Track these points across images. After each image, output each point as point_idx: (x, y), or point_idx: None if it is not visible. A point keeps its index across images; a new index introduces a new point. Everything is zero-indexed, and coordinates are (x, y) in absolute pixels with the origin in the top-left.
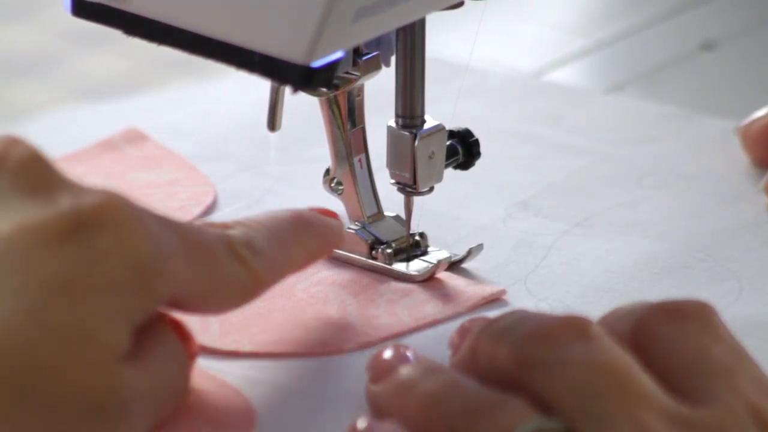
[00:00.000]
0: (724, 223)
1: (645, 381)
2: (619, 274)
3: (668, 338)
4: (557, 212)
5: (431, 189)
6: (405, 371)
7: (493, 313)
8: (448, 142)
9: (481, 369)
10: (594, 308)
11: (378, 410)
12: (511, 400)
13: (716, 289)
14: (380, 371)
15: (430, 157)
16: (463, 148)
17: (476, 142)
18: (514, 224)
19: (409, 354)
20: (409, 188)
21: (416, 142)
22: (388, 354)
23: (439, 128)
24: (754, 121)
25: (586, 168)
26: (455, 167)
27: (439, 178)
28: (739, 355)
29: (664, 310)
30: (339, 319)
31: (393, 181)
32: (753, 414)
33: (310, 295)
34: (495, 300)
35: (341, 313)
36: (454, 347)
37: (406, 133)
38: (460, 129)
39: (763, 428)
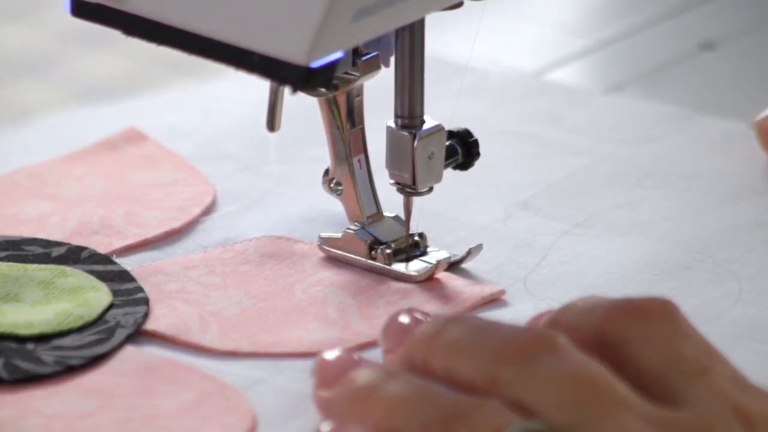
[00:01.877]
0: (724, 223)
1: (621, 387)
2: (618, 275)
3: (636, 341)
4: (557, 212)
5: (431, 189)
6: (362, 375)
7: (492, 313)
8: (447, 143)
9: (436, 379)
10: None
11: (332, 417)
12: (488, 402)
13: (716, 290)
14: (329, 376)
15: (429, 158)
16: (463, 149)
17: (475, 143)
18: (514, 224)
19: (356, 357)
20: (409, 188)
21: (415, 143)
22: (334, 356)
23: (438, 128)
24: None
25: (586, 168)
26: (455, 167)
27: (439, 179)
28: (709, 351)
29: (626, 310)
30: (338, 320)
31: (392, 181)
32: (734, 410)
33: (309, 295)
34: (494, 300)
35: (340, 314)
36: (386, 348)
37: (406, 133)
38: (459, 129)
39: (746, 423)
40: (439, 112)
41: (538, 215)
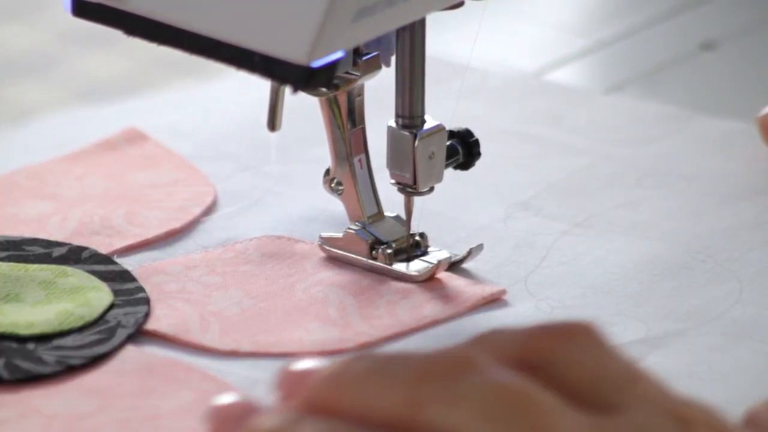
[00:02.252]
0: (724, 223)
1: (550, 398)
2: (619, 275)
3: (562, 360)
4: (557, 212)
5: (431, 189)
6: (268, 421)
7: (493, 313)
8: (448, 142)
9: (347, 419)
10: (594, 309)
11: None
12: None
13: (717, 290)
14: (226, 425)
15: (430, 157)
16: (463, 148)
17: (476, 142)
18: (514, 224)
19: (252, 404)
20: (410, 188)
21: (416, 143)
22: (231, 401)
23: (439, 128)
24: None
25: (586, 168)
26: (455, 167)
27: (439, 179)
28: (635, 367)
29: (548, 333)
30: (339, 320)
31: (393, 181)
32: (670, 413)
33: (309, 295)
34: (495, 300)
35: (341, 314)
36: (283, 395)
37: (407, 133)
38: (460, 129)
39: (684, 425)
40: (440, 112)
41: (539, 215)
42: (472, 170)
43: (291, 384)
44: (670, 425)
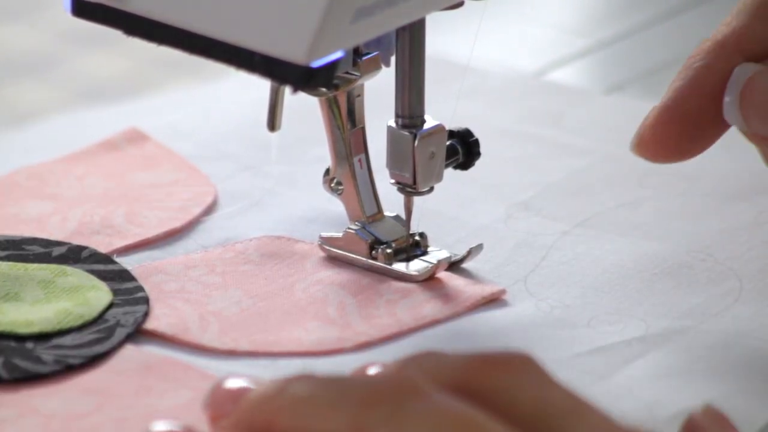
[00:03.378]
0: (724, 223)
1: (496, 425)
2: (619, 274)
3: (503, 390)
4: (557, 212)
5: (431, 189)
6: None
7: (492, 313)
8: (448, 142)
9: None
10: (594, 308)
11: None
12: None
13: (717, 289)
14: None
15: (430, 157)
16: (463, 148)
17: (476, 142)
18: (515, 224)
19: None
20: (409, 188)
21: (416, 142)
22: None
23: (439, 128)
24: (640, 129)
25: (587, 168)
26: (455, 167)
27: (439, 178)
28: (578, 397)
29: (489, 361)
30: (338, 319)
31: (393, 181)
32: None
33: (309, 294)
34: (495, 300)
35: (340, 313)
36: (213, 415)
37: (406, 133)
38: (460, 129)
39: None
40: (440, 113)
41: (539, 215)
42: (472, 170)
43: (224, 403)
44: None
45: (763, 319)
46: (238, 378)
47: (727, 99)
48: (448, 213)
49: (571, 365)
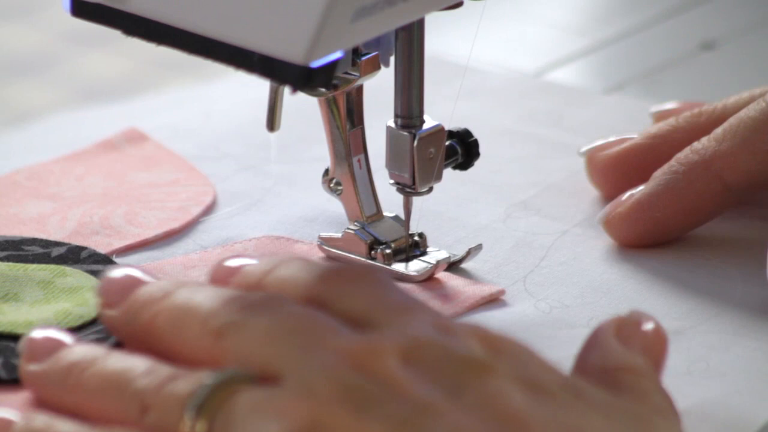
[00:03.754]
0: (723, 222)
1: (330, 320)
2: (617, 275)
3: (340, 293)
4: (557, 212)
5: (430, 189)
6: (76, 352)
7: (492, 313)
8: (447, 143)
9: (158, 343)
10: (593, 308)
11: (40, 391)
12: (200, 370)
13: (715, 289)
14: (39, 351)
15: (429, 158)
16: (463, 148)
17: (475, 143)
18: (514, 224)
19: (67, 338)
20: (408, 188)
21: (415, 143)
22: (44, 334)
23: (438, 128)
24: (601, 147)
25: (584, 167)
26: (454, 167)
27: (438, 179)
28: (412, 298)
29: (331, 275)
30: None
31: (392, 181)
32: (440, 326)
33: None
34: (494, 300)
35: None
36: (105, 303)
37: (405, 133)
38: (459, 129)
39: (444, 330)
40: (439, 113)
41: (538, 215)
42: (471, 170)
43: (115, 293)
44: (435, 332)
45: (761, 319)
46: (130, 270)
47: None
48: (448, 213)
49: (570, 365)
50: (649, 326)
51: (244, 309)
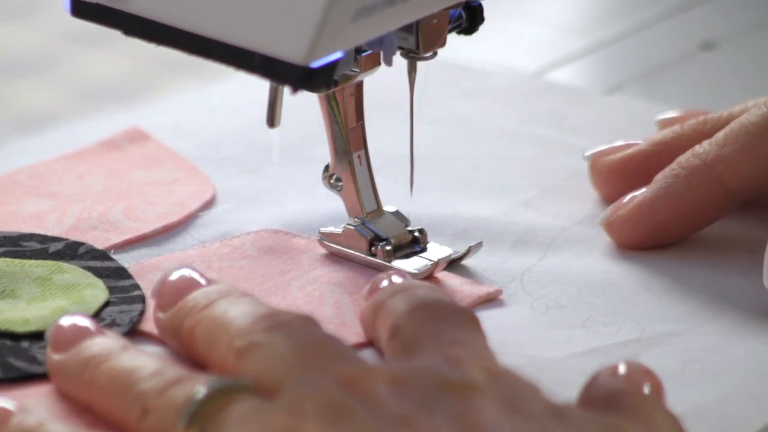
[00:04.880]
0: (722, 223)
1: (341, 347)
2: (615, 274)
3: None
4: (557, 211)
5: (434, 54)
6: (96, 344)
7: (488, 313)
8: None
9: (196, 351)
10: (589, 308)
11: (61, 381)
12: (200, 374)
13: (712, 290)
14: (64, 340)
15: (433, 22)
16: (467, 13)
17: (480, 7)
18: (513, 222)
19: (91, 326)
20: (412, 54)
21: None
22: (72, 322)
23: None
24: (605, 152)
25: (587, 168)
26: (459, 32)
27: (443, 44)
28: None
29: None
30: (334, 318)
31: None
32: (446, 359)
33: (305, 293)
34: (491, 299)
35: (336, 312)
36: (159, 306)
37: None
38: None
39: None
40: (439, 112)
41: (539, 214)
42: (472, 171)
43: (169, 296)
44: (438, 362)
45: (757, 321)
46: (186, 270)
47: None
48: (447, 211)
49: (566, 365)
50: (644, 367)
51: (268, 330)
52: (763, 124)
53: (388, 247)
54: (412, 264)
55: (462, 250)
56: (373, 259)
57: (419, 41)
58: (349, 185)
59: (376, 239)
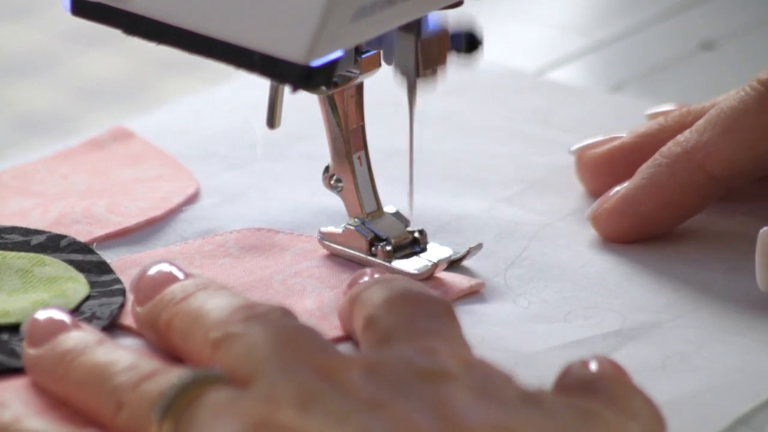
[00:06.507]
0: (702, 217)
1: (318, 338)
2: (598, 268)
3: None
4: (541, 207)
5: (434, 72)
6: (71, 339)
7: (471, 307)
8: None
9: (173, 345)
10: (572, 302)
11: (37, 375)
12: (175, 367)
13: (693, 283)
14: (39, 335)
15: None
16: (466, 40)
17: (480, 36)
18: (497, 216)
19: (67, 320)
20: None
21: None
22: (47, 316)
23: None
24: (590, 146)
25: (571, 164)
26: (458, 52)
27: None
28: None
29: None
30: (315, 311)
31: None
32: (421, 349)
33: (287, 287)
34: (473, 293)
35: (317, 305)
36: (137, 300)
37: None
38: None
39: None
40: (436, 112)
41: (522, 209)
42: (455, 166)
43: (146, 290)
44: (413, 352)
45: (738, 314)
46: (164, 265)
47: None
48: (430, 206)
49: (546, 359)
50: (614, 362)
51: (244, 321)
52: (741, 108)
53: (388, 248)
54: (412, 264)
55: (462, 250)
56: (373, 259)
57: (419, 61)
58: (349, 186)
59: (376, 239)
